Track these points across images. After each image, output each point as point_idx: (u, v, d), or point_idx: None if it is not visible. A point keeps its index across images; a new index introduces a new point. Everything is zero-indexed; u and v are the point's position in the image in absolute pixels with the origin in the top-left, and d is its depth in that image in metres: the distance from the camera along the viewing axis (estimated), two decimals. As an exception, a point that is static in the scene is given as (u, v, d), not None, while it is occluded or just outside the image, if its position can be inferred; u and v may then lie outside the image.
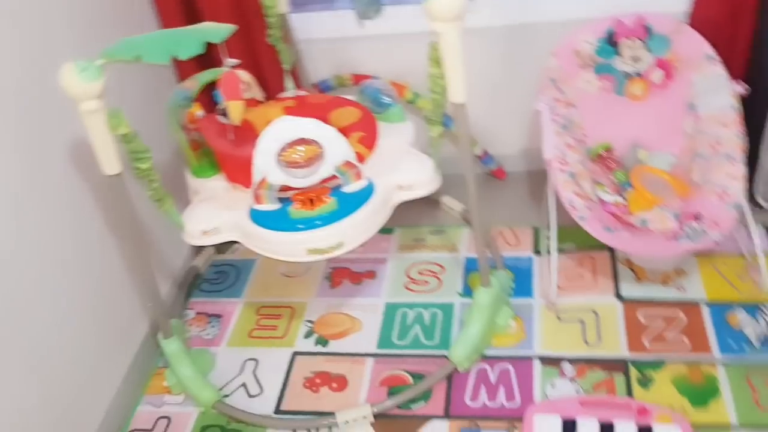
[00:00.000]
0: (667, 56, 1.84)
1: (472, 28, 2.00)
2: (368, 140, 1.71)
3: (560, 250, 1.94)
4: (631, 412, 1.48)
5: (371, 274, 2.01)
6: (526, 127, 2.20)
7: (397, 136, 1.77)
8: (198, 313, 1.99)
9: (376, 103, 1.84)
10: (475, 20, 2.01)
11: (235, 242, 2.16)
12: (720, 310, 1.71)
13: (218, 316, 1.97)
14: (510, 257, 1.97)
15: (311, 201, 1.57)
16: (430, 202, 2.19)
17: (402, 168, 1.67)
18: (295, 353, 1.82)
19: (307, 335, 1.87)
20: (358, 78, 2.10)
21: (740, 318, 1.68)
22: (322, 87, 2.15)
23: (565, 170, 1.75)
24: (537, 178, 2.20)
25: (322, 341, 1.84)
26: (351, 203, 1.58)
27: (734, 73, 1.84)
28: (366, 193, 1.60)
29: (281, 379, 1.76)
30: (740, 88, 1.73)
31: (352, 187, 1.59)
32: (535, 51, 2.00)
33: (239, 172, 1.64)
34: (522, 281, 1.90)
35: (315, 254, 1.57)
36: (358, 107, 1.82)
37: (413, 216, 2.18)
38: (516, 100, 2.13)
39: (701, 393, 1.54)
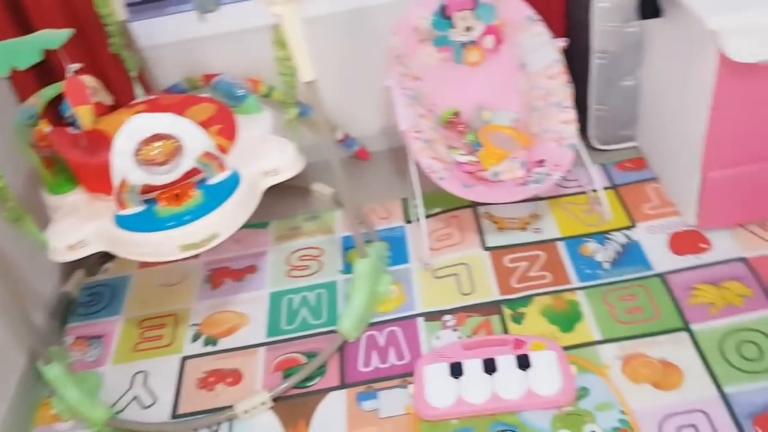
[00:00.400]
0: (495, 23, 2.00)
1: (315, 16, 2.09)
2: (227, 132, 1.73)
3: (428, 215, 2.05)
4: (509, 346, 1.60)
5: (252, 269, 2.03)
6: (381, 107, 2.30)
7: (256, 126, 1.80)
8: (77, 338, 1.92)
9: (231, 96, 1.86)
10: (316, 9, 2.09)
11: (106, 261, 2.14)
12: (574, 243, 1.88)
13: (99, 337, 1.91)
14: (384, 229, 2.06)
15: (177, 197, 1.57)
16: (302, 191, 2.23)
17: (265, 154, 1.70)
18: (185, 357, 1.80)
19: (195, 338, 1.85)
20: (209, 78, 2.10)
21: (591, 247, 1.85)
22: (174, 91, 2.14)
23: (420, 138, 1.85)
24: (399, 154, 2.30)
25: (211, 341, 1.84)
26: (218, 194, 1.59)
27: (555, 31, 2.03)
28: (232, 183, 1.62)
29: (174, 385, 1.74)
30: (561, 43, 1.91)
31: (216, 178, 1.61)
32: (377, 32, 2.09)
33: (98, 180, 1.61)
34: (397, 249, 1.99)
35: (189, 249, 1.57)
36: (213, 102, 1.83)
37: (287, 207, 2.22)
38: (368, 82, 2.22)
39: (567, 318, 1.69)
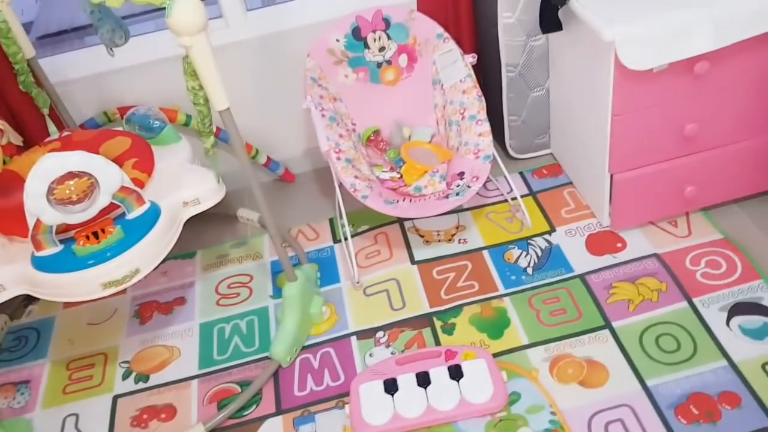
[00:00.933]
0: (408, 42, 2.04)
1: (232, 42, 2.09)
2: (144, 164, 1.71)
3: (356, 233, 2.07)
4: (441, 358, 1.63)
5: (181, 301, 2.00)
6: (303, 129, 2.31)
7: (174, 157, 1.78)
8: (3, 385, 1.84)
9: (147, 128, 1.84)
10: (233, 35, 2.10)
11: (30, 304, 2.07)
12: (498, 251, 1.93)
13: (26, 382, 1.84)
14: (313, 251, 2.06)
15: (95, 234, 1.54)
16: (227, 218, 2.22)
17: (184, 184, 1.68)
18: (116, 396, 1.76)
19: (125, 376, 1.81)
20: (125, 110, 2.08)
21: (515, 254, 1.91)
22: (89, 126, 2.09)
23: (341, 158, 1.88)
24: (323, 174, 2.33)
25: (143, 378, 1.80)
26: (138, 229, 1.56)
27: (466, 47, 2.10)
28: (152, 216, 1.59)
29: (106, 426, 1.69)
30: (471, 59, 1.97)
31: (135, 212, 1.58)
32: (295, 55, 2.11)
33: (12, 223, 1.56)
34: (328, 270, 1.99)
35: (111, 286, 1.54)
36: (128, 135, 1.80)
37: (214, 235, 2.20)
38: (288, 105, 2.23)
39: (496, 325, 1.73)
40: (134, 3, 1.41)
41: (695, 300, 1.68)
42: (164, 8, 1.37)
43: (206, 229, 2.21)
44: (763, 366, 1.53)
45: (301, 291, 1.78)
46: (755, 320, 1.62)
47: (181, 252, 2.15)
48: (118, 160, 1.67)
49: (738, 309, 1.64)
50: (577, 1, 1.68)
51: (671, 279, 1.75)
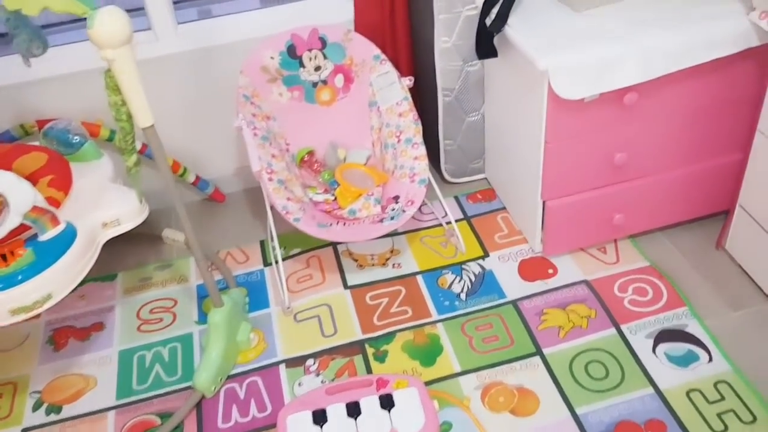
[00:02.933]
0: (344, 62, 2.01)
1: (161, 56, 2.01)
2: (61, 182, 1.61)
3: (288, 256, 2.02)
4: (372, 387, 1.58)
5: (99, 326, 1.89)
6: (234, 147, 2.24)
7: (94, 174, 1.69)
8: None
9: (66, 144, 1.74)
10: (162, 48, 2.02)
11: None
12: (432, 276, 1.91)
13: None
14: (242, 274, 1.99)
15: (3, 257, 1.43)
16: (152, 238, 2.12)
17: (104, 204, 1.60)
18: (25, 430, 1.64)
19: (36, 407, 1.69)
20: (44, 123, 1.96)
21: (449, 279, 1.89)
22: (4, 139, 1.97)
23: (273, 179, 1.82)
24: (255, 194, 2.26)
25: (55, 409, 1.68)
26: (51, 252, 1.46)
27: (403, 70, 2.09)
28: (67, 238, 1.50)
29: (12, 463, 1.58)
30: (408, 81, 1.96)
31: (48, 234, 1.48)
32: (227, 71, 2.06)
33: None
34: (257, 294, 1.92)
35: (21, 313, 1.43)
36: (45, 151, 1.70)
37: (137, 257, 2.10)
38: (219, 122, 2.17)
39: (428, 353, 1.71)
40: (53, 11, 1.33)
41: (623, 327, 1.70)
42: (85, 18, 1.29)
43: (128, 249, 2.11)
44: (687, 393, 1.55)
45: (227, 318, 1.71)
46: (680, 347, 1.65)
47: (101, 274, 2.04)
48: (33, 178, 1.57)
49: (664, 336, 1.67)
50: (512, 28, 1.70)
51: (600, 306, 1.76)
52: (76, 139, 1.74)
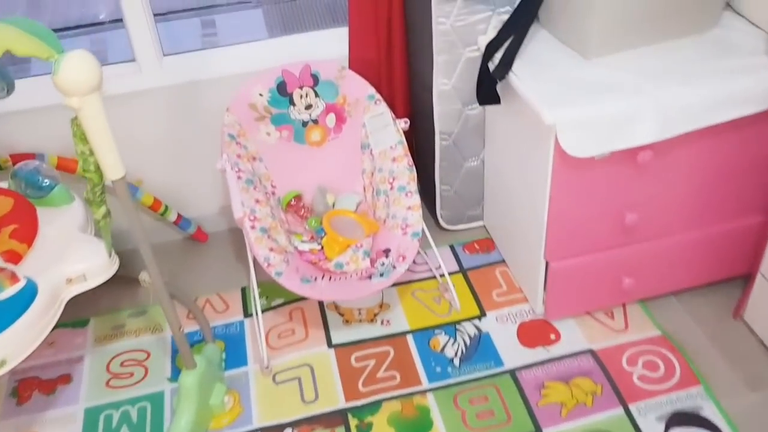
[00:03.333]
0: (336, 101, 1.89)
1: (145, 89, 1.89)
2: (24, 233, 1.49)
3: (270, 308, 1.88)
4: (354, 466, 1.46)
5: (66, 379, 1.76)
6: (219, 185, 2.11)
7: (63, 221, 1.57)
8: None
9: (35, 186, 1.62)
10: (145, 81, 1.90)
11: None
12: (423, 336, 1.77)
13: None
14: (220, 325, 1.86)
15: (-48, 319, 1.31)
16: (128, 281, 1.99)
17: (70, 257, 1.47)
18: (-24, 498, 1.51)
19: (-9, 471, 1.56)
20: (19, 157, 1.84)
21: (441, 341, 1.75)
22: (-28, 174, 1.84)
23: (256, 227, 1.69)
24: (240, 235, 2.12)
25: (11, 473, 1.55)
26: (8, 312, 1.34)
27: (399, 111, 1.96)
28: (26, 296, 1.37)
29: None
30: (403, 124, 1.83)
31: (6, 293, 1.35)
32: (213, 107, 1.93)
33: None
34: (235, 349, 1.79)
35: (-32, 381, 1.30)
36: (11, 195, 1.58)
37: (111, 300, 1.96)
38: (204, 159, 2.04)
39: (417, 427, 1.56)
40: (15, 55, 1.21)
41: (631, 406, 1.56)
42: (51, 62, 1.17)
43: (102, 291, 1.94)
44: (700, 483, 1.42)
45: (199, 380, 1.57)
46: (694, 432, 1.51)
47: (72, 319, 1.91)
48: (-8, 227, 1.44)
49: (676, 419, 1.52)
50: (517, 76, 1.57)
51: (606, 381, 1.62)
52: (46, 182, 1.62)
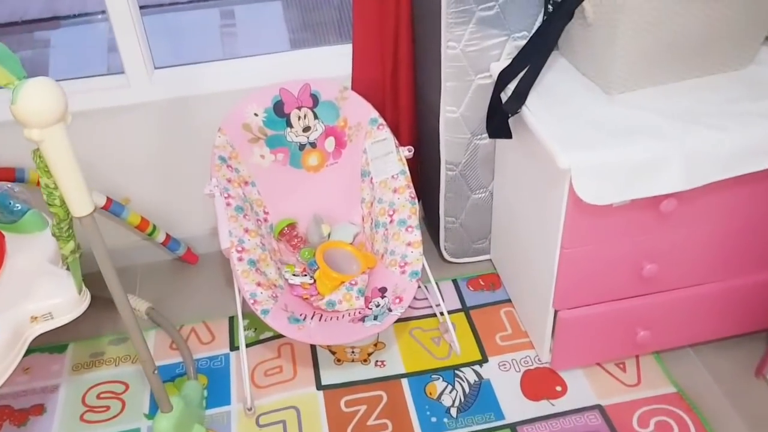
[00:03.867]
0: (337, 124, 1.76)
1: (134, 104, 1.78)
2: (-11, 263, 1.38)
3: (257, 341, 1.77)
4: None
5: (39, 409, 1.65)
6: (210, 205, 1.99)
7: (33, 250, 1.46)
8: None
9: (6, 210, 1.51)
10: (134, 96, 1.79)
11: None
12: (419, 381, 1.65)
13: None
14: (204, 358, 1.75)
15: None
16: (109, 304, 1.88)
17: (36, 293, 1.36)
18: None
19: None
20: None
21: (439, 387, 1.63)
22: (-54, 188, 1.74)
23: (244, 259, 1.57)
24: (231, 258, 2.02)
25: None
26: (-36, 353, 1.24)
27: (404, 138, 1.84)
28: (-14, 336, 1.27)
29: None
30: (407, 152, 1.71)
31: (-37, 332, 1.25)
32: (205, 123, 1.82)
33: None
34: (218, 385, 1.68)
35: None
36: (-21, 218, 1.47)
37: (92, 324, 1.86)
38: (195, 177, 1.93)
39: (407, 485, 1.45)
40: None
41: (641, 476, 1.44)
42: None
43: (84, 315, 1.82)
44: None
45: (175, 424, 1.46)
46: (707, 503, 1.38)
47: (50, 343, 1.80)
48: (-47, 258, 1.34)
49: (689, 494, 1.40)
50: (530, 111, 1.43)
51: (615, 443, 1.50)
52: (18, 206, 1.51)
